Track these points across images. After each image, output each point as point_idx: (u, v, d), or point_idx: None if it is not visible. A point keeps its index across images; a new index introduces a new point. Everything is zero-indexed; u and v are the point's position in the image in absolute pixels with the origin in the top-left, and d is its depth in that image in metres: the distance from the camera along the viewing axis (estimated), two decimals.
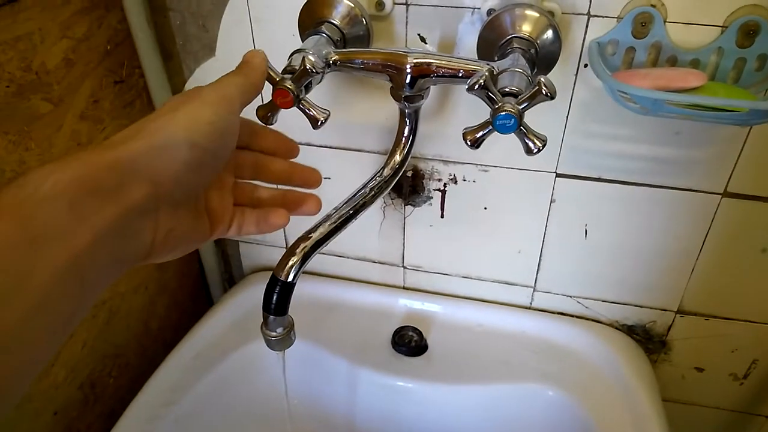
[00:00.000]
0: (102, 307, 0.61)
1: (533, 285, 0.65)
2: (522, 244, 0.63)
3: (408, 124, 0.46)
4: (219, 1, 0.55)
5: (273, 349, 0.43)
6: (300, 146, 0.40)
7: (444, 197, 0.62)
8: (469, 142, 0.40)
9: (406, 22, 0.52)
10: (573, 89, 0.52)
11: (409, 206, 0.64)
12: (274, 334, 0.42)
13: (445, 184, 0.61)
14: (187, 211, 0.31)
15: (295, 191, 0.39)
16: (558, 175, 0.57)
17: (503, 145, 0.57)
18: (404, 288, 0.70)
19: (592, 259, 0.62)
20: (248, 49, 0.57)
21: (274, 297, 0.40)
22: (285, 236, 0.71)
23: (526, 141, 0.39)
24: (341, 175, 0.64)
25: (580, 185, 0.57)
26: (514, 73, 0.41)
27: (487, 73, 0.37)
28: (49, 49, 0.49)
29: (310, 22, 0.49)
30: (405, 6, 0.51)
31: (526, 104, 0.37)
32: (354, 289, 0.71)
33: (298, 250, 0.41)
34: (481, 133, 0.39)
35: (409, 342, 0.64)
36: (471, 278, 0.67)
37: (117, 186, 0.25)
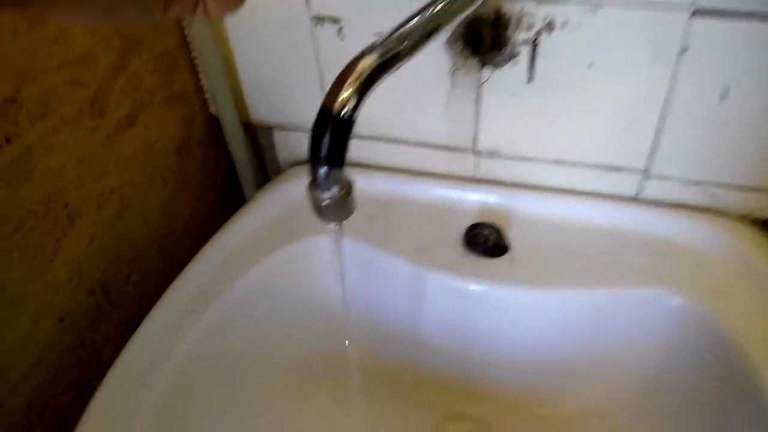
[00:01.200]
0: (110, 197, 0.50)
1: (645, 169, 0.51)
2: (635, 114, 0.49)
3: None
4: None
5: (325, 219, 0.31)
6: None
7: (535, 52, 0.48)
8: None
9: None
10: None
11: (487, 69, 0.50)
12: (326, 195, 0.29)
13: (537, 32, 0.47)
14: None
15: None
16: (695, 13, 0.42)
17: None
18: (474, 180, 0.57)
19: (729, 131, 0.47)
20: None
21: (326, 139, 0.28)
22: None
23: None
24: None
25: (725, 27, 0.42)
26: None
27: None
28: None
29: None
30: None
31: None
32: (414, 182, 0.58)
33: (354, 76, 0.28)
34: None
35: (485, 241, 0.52)
36: (564, 163, 0.53)
37: None
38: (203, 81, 0.59)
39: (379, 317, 0.55)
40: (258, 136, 0.63)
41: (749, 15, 0.41)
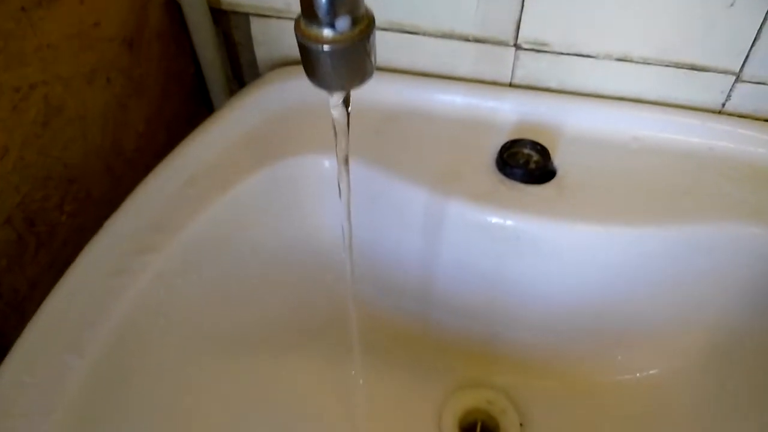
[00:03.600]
0: (30, 93, 0.37)
1: (739, 70, 0.39)
2: None
3: None
4: None
5: (321, 81, 0.19)
6: None
7: None
8: None
9: None
10: None
11: None
12: (331, 32, 0.17)
13: None
14: None
15: None
16: None
17: None
18: (512, 85, 0.45)
19: None
20: None
21: None
22: None
23: None
24: None
25: None
26: None
27: None
28: None
29: None
30: None
31: None
32: (434, 88, 0.45)
33: None
34: None
35: (524, 163, 0.40)
36: (630, 61, 0.41)
37: None
38: None
39: (385, 261, 0.43)
40: (230, 27, 0.49)
41: None
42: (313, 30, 0.17)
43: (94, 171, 0.44)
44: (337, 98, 0.21)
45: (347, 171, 0.26)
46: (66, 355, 0.31)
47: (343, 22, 0.16)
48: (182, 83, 0.52)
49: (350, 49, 0.17)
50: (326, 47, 0.17)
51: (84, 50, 0.40)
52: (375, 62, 0.19)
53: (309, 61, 0.18)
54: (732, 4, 0.36)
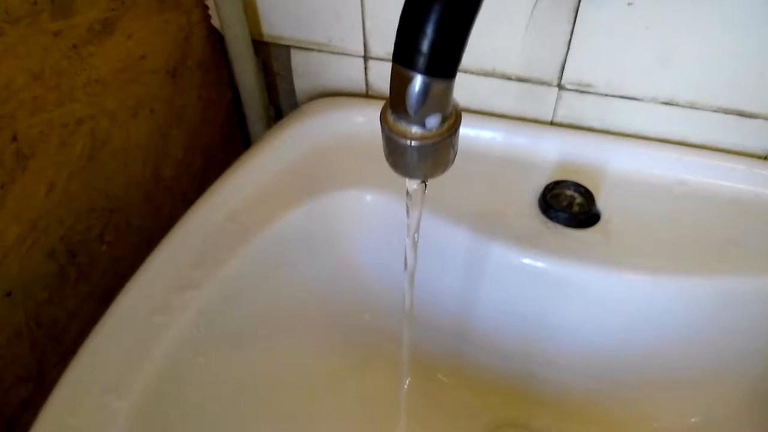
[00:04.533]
0: (77, 128, 0.37)
1: None
2: None
3: None
4: None
5: (405, 170, 0.18)
6: None
7: None
8: None
9: None
10: None
11: None
12: (420, 129, 0.17)
13: None
14: None
15: None
16: None
17: None
18: (552, 124, 0.45)
19: None
20: None
21: (431, 22, 0.15)
22: (364, 36, 0.45)
23: None
24: None
25: None
26: None
27: None
28: None
29: None
30: None
31: None
32: (477, 125, 0.45)
33: None
34: None
35: (568, 205, 0.40)
36: (677, 105, 0.40)
37: None
38: None
39: (425, 299, 0.43)
40: (271, 58, 0.49)
41: None
42: (402, 125, 0.17)
43: (134, 200, 0.44)
44: (413, 183, 0.21)
45: (415, 246, 0.26)
46: (108, 396, 0.31)
47: (433, 121, 0.16)
48: (219, 110, 0.52)
49: (437, 145, 0.17)
50: (414, 143, 0.17)
51: (130, 83, 0.41)
52: (456, 154, 0.18)
53: (394, 152, 0.18)
54: None
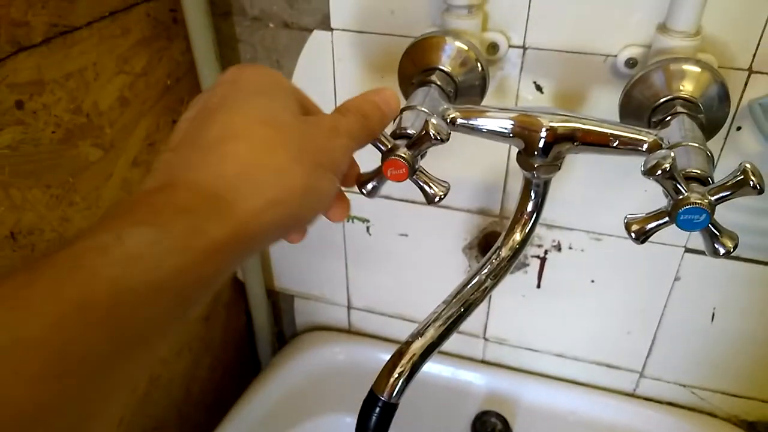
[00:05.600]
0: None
1: (641, 370, 0.56)
2: (633, 324, 0.53)
3: (534, 198, 0.37)
4: (297, 37, 0.47)
5: None
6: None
7: (543, 266, 0.53)
8: (634, 235, 0.31)
9: (521, 68, 0.44)
10: (719, 155, 0.43)
11: None
12: None
13: (546, 251, 0.52)
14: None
15: None
16: (687, 250, 0.48)
17: (626, 210, 0.48)
18: (482, 362, 0.61)
19: (716, 346, 0.52)
20: (328, 90, 0.49)
21: (373, 420, 0.31)
22: (348, 294, 0.63)
23: (714, 243, 0.30)
24: (419, 232, 0.55)
25: (713, 263, 0.48)
26: (689, 150, 0.32)
27: (672, 154, 0.28)
28: (104, 86, 0.42)
29: (413, 69, 0.40)
30: (521, 50, 0.43)
31: (721, 195, 0.29)
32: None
33: (403, 361, 0.32)
34: (653, 225, 0.30)
35: (492, 431, 0.55)
36: (565, 357, 0.58)
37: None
38: None
39: None
40: (279, 301, 0.67)
41: (734, 257, 0.47)
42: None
43: (170, 417, 0.59)
44: None
45: None
46: None
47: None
48: (237, 337, 0.69)
49: None
50: None
51: (180, 335, 0.57)
52: None
53: None
54: (629, 333, 0.54)
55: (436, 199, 0.33)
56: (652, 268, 0.50)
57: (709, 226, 0.29)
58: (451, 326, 0.34)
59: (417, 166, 0.32)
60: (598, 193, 0.48)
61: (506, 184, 0.50)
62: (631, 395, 0.58)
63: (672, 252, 0.48)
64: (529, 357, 0.59)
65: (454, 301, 0.35)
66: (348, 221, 0.57)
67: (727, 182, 0.28)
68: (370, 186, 0.33)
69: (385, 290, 0.60)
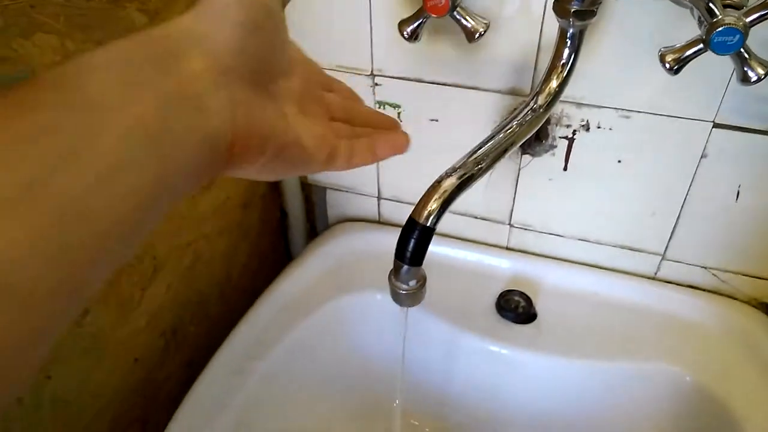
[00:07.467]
0: (187, 249, 0.56)
1: (663, 252, 0.57)
2: (657, 205, 0.55)
3: (569, 46, 0.38)
4: None
5: (401, 304, 0.37)
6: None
7: (571, 147, 0.54)
8: (668, 65, 0.32)
9: None
10: None
11: (527, 155, 0.56)
12: (405, 287, 0.35)
13: (574, 131, 0.53)
14: (265, 100, 0.25)
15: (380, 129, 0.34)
16: (716, 126, 0.49)
17: (655, 86, 0.48)
18: (507, 249, 0.63)
19: (740, 226, 0.53)
20: None
21: (411, 244, 0.34)
22: (378, 185, 0.65)
23: (745, 68, 0.30)
24: (450, 117, 0.56)
25: (741, 138, 0.49)
26: None
27: None
28: None
29: None
30: None
31: (757, 16, 0.29)
32: (454, 247, 0.64)
33: (440, 191, 0.34)
34: (688, 53, 0.31)
35: (515, 308, 0.58)
36: (588, 241, 0.59)
37: (171, 55, 0.22)
38: None
39: (416, 375, 0.60)
40: (312, 193, 0.69)
41: (764, 131, 0.48)
42: (397, 284, 0.35)
43: (213, 295, 0.62)
44: (403, 309, 0.40)
45: (404, 338, 0.44)
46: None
47: (412, 283, 0.35)
48: (271, 227, 0.71)
49: (413, 294, 0.36)
50: (402, 292, 0.35)
51: (219, 215, 0.60)
52: (424, 296, 0.37)
53: (393, 294, 0.37)
54: (653, 214, 0.55)
55: (476, 36, 0.34)
56: (680, 145, 0.51)
57: (741, 50, 0.30)
58: (486, 166, 0.36)
59: (458, 2, 0.33)
60: (628, 68, 0.49)
61: (537, 61, 0.51)
62: (653, 278, 0.59)
63: (700, 127, 0.49)
64: (552, 242, 0.61)
65: (490, 143, 0.37)
66: (380, 107, 0.58)
67: (760, 2, 0.29)
68: (410, 29, 0.34)
69: (416, 179, 0.62)
